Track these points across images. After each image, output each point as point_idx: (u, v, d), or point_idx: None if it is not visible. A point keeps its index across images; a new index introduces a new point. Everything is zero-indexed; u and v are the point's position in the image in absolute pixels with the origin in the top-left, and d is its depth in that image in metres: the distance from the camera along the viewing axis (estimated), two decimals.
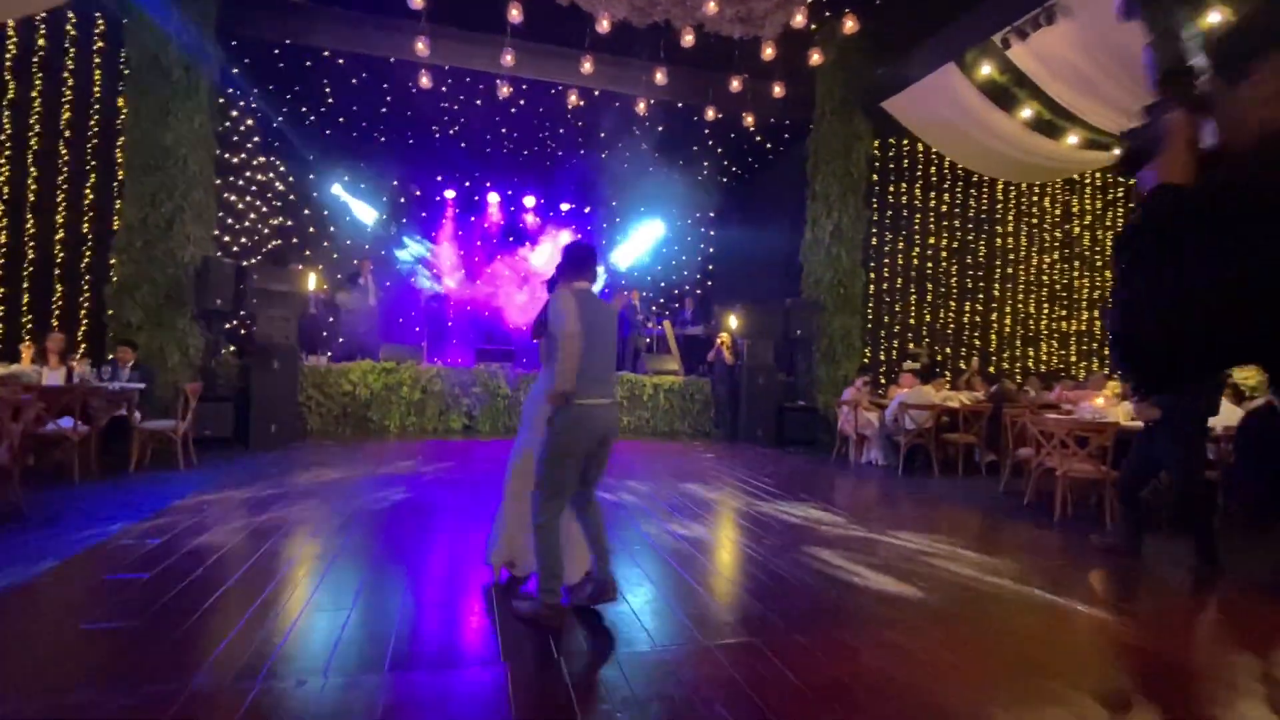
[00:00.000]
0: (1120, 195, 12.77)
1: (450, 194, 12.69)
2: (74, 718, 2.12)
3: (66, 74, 8.39)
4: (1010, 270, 12.27)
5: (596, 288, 3.41)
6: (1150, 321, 0.82)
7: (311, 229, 11.71)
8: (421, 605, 3.21)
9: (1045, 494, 5.90)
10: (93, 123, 8.50)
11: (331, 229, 11.79)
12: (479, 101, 9.75)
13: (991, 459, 7.82)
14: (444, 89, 9.26)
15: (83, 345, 8.19)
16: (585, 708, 2.32)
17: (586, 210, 13.34)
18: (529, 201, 13.06)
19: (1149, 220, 0.90)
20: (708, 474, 7.10)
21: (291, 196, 11.38)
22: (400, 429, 9.28)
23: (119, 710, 2.17)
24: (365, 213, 11.91)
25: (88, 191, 8.49)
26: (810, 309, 10.04)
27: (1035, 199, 12.38)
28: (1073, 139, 8.63)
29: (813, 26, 8.17)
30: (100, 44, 8.50)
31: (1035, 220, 12.41)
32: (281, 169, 11.15)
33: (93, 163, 8.51)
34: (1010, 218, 12.24)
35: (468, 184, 12.80)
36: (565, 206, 13.25)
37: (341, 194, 11.54)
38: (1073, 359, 12.65)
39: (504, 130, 10.91)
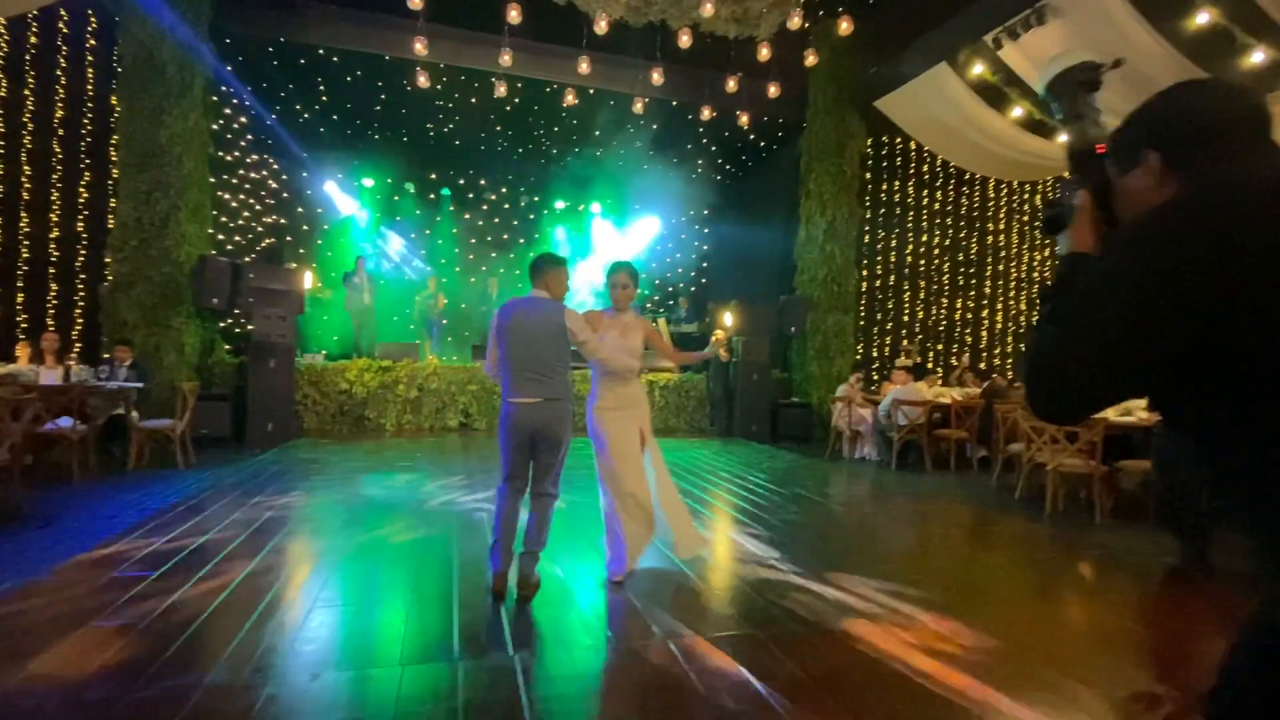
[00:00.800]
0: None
1: (445, 191, 12.68)
2: (94, 714, 2.16)
3: (59, 72, 8.35)
4: (1001, 267, 12.42)
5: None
6: (1048, 369, 0.97)
7: (305, 227, 11.70)
8: (427, 599, 3.26)
9: (1036, 488, 6.00)
10: (86, 121, 8.47)
11: (325, 227, 11.78)
12: (474, 99, 9.76)
13: (983, 454, 7.93)
14: (439, 87, 9.26)
15: (78, 345, 8.17)
16: (591, 697, 2.38)
17: (580, 208, 13.36)
18: (524, 200, 13.07)
19: (1059, 282, 1.07)
20: (703, 470, 7.17)
21: (285, 195, 11.35)
22: (397, 427, 9.30)
23: (136, 705, 2.21)
24: (359, 211, 11.90)
25: (82, 190, 8.46)
26: (804, 306, 10.13)
27: (1026, 196, 12.51)
28: (1064, 138, 8.71)
29: (807, 26, 8.22)
30: (93, 42, 8.47)
31: (1026, 218, 12.55)
32: (275, 167, 11.12)
33: (87, 161, 8.48)
34: (1002, 215, 12.38)
35: (462, 181, 12.80)
36: (560, 204, 13.26)
37: (335, 192, 11.52)
38: None
39: (499, 128, 10.92)
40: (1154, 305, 0.88)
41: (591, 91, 9.43)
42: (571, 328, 3.35)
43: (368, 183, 12.03)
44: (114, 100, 8.14)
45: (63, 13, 8.23)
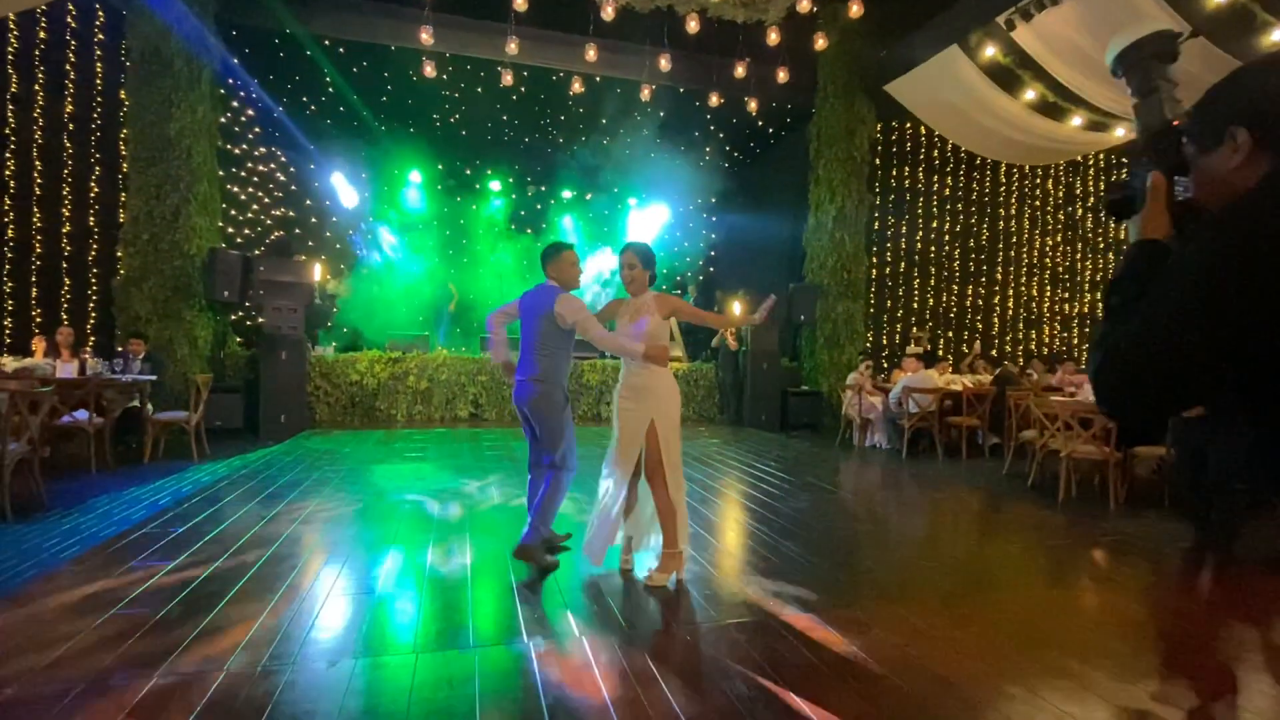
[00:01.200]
0: (1124, 177, 12.72)
1: (451, 181, 12.67)
2: (118, 700, 2.20)
3: (68, 67, 8.38)
4: (1013, 253, 12.29)
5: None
6: (1123, 365, 0.90)
7: (314, 219, 11.72)
8: (445, 587, 3.28)
9: (1049, 475, 5.97)
10: (95, 115, 8.50)
11: (333, 219, 11.80)
12: (480, 89, 9.72)
13: (995, 442, 7.89)
14: (445, 77, 9.22)
15: (92, 339, 8.25)
16: (608, 682, 2.39)
17: (588, 197, 13.32)
18: (530, 189, 13.04)
19: (1129, 271, 0.98)
20: (713, 459, 7.17)
21: (293, 187, 11.38)
22: (407, 418, 9.36)
23: (159, 692, 2.24)
24: (365, 202, 11.92)
25: (93, 184, 8.51)
26: (813, 294, 10.08)
27: (1038, 181, 12.36)
28: (1076, 120, 8.62)
29: (816, 9, 8.12)
30: (101, 36, 8.48)
31: (1038, 203, 12.40)
32: (283, 159, 11.14)
33: (97, 155, 8.52)
34: (1013, 201, 12.24)
35: (469, 171, 12.77)
36: (568, 193, 13.22)
37: (341, 184, 11.52)
38: (1075, 341, 12.70)
39: (505, 117, 10.88)
40: (1255, 303, 0.80)
41: (598, 79, 9.37)
42: (559, 311, 3.46)
43: (376, 175, 12.04)
44: (122, 94, 8.17)
45: (71, 8, 8.25)
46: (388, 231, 12.17)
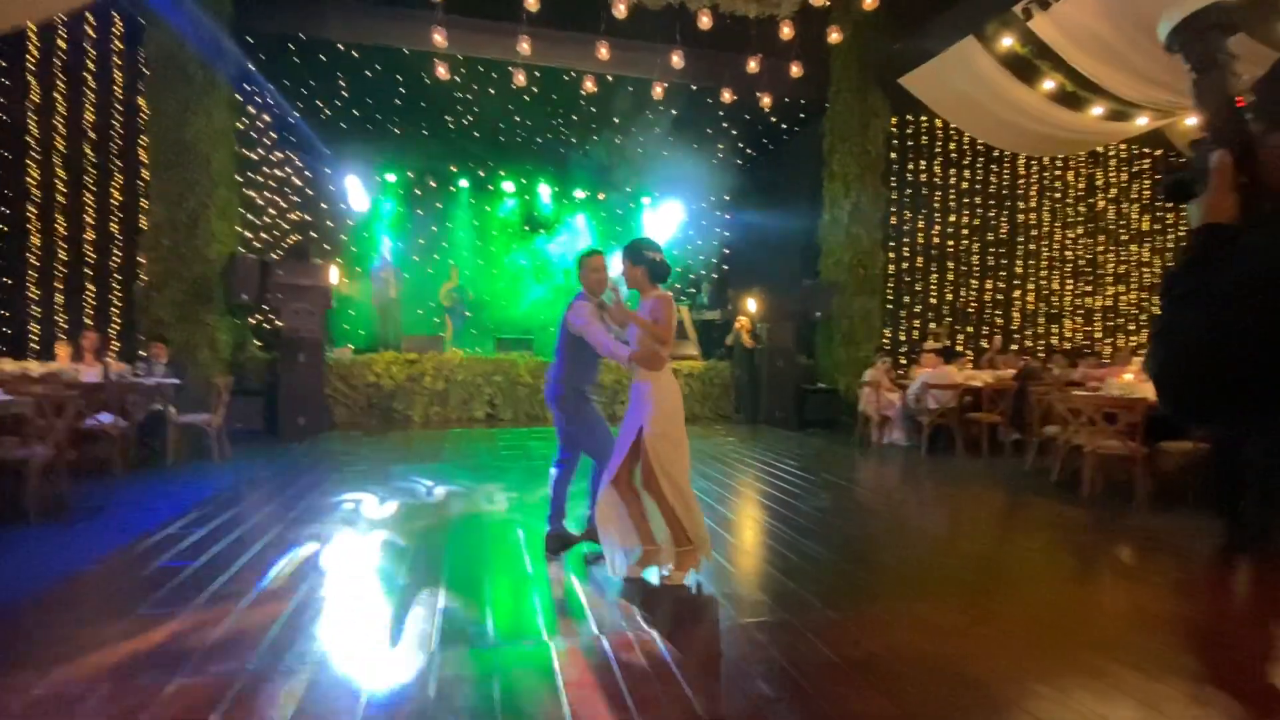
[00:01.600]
0: (1146, 167, 12.50)
1: (464, 183, 12.71)
2: (143, 698, 2.22)
3: (87, 75, 8.51)
4: (1033, 246, 12.10)
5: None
6: (1190, 360, 0.83)
7: (329, 223, 11.82)
8: (464, 585, 3.28)
9: (1073, 472, 5.86)
10: (115, 123, 8.62)
11: (350, 222, 11.89)
12: (493, 90, 9.74)
13: (1016, 437, 7.77)
14: (458, 78, 9.25)
15: (116, 344, 8.37)
16: (628, 682, 2.38)
17: (601, 197, 13.31)
18: (544, 190, 13.05)
19: (1194, 258, 0.91)
20: (730, 457, 7.13)
21: (309, 191, 11.47)
22: (424, 419, 9.41)
23: (184, 691, 2.26)
24: (380, 205, 12.01)
25: (114, 191, 8.63)
26: (829, 290, 9.98)
27: (1058, 173, 12.16)
28: (1097, 110, 8.46)
29: (829, 2, 8.03)
30: (119, 45, 8.59)
31: (1058, 195, 12.20)
32: (299, 163, 11.24)
33: (117, 163, 8.64)
34: (1032, 193, 12.05)
35: (482, 173, 12.81)
36: (580, 193, 13.23)
37: (355, 186, 11.60)
38: (1098, 335, 12.49)
39: (517, 118, 10.89)
40: None
41: (610, 78, 9.36)
42: (568, 317, 3.61)
43: (390, 177, 12.12)
44: (141, 102, 8.28)
45: (89, 17, 8.37)
46: (388, 241, 12.20)
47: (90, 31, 8.49)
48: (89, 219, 8.54)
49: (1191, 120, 9.11)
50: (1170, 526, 4.66)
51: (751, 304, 10.55)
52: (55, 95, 8.36)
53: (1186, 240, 0.95)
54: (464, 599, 3.15)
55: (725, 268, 14.11)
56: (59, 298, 8.42)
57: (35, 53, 8.24)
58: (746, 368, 10.41)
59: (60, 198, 8.40)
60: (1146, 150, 12.34)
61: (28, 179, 8.29)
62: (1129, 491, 5.35)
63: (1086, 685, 2.42)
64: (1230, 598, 3.73)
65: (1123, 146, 12.18)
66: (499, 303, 12.75)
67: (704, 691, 2.33)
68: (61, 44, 8.37)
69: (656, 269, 3.42)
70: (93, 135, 8.53)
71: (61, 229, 8.42)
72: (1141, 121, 8.74)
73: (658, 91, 9.08)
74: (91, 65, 8.52)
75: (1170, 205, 11.94)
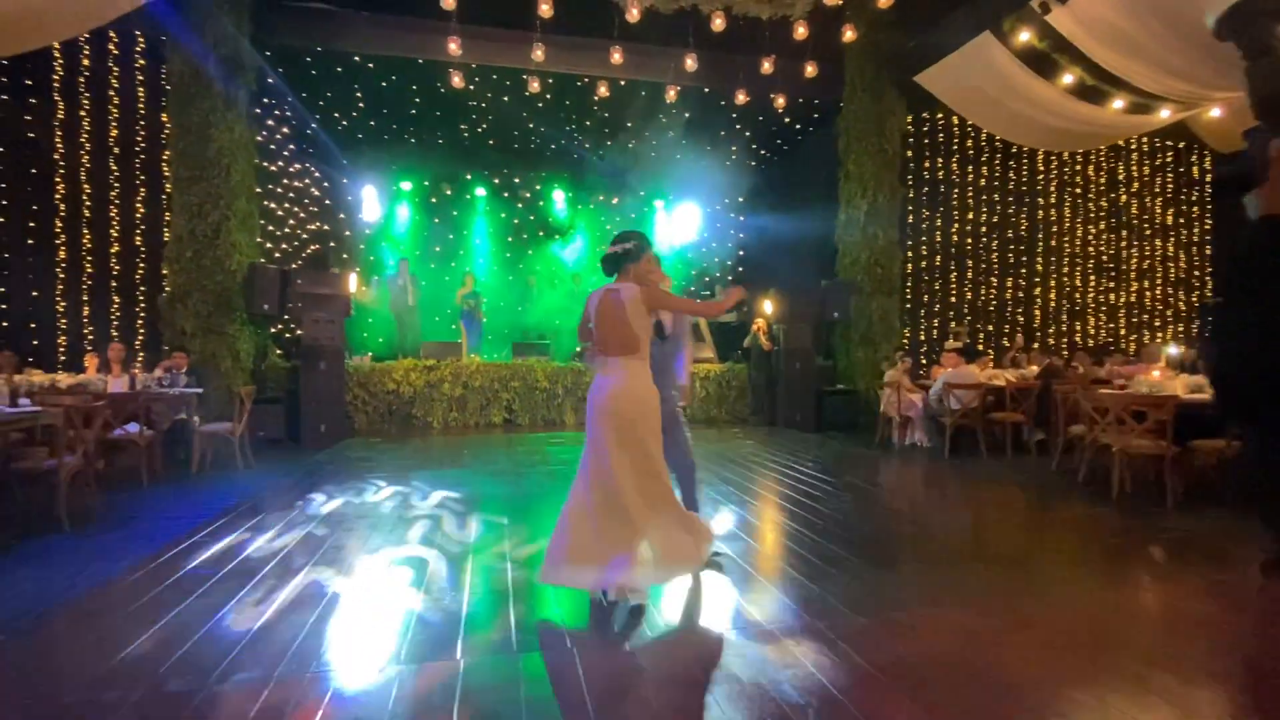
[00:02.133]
0: (1169, 160, 12.27)
1: (480, 190, 12.79)
2: (174, 705, 2.23)
3: (112, 92, 8.69)
4: (1054, 243, 11.93)
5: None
6: (1246, 358, 0.80)
7: (347, 232, 11.94)
8: (487, 593, 3.28)
9: (1101, 472, 5.74)
10: (139, 138, 8.79)
11: (367, 231, 12.01)
12: (507, 98, 9.80)
13: (1040, 437, 7.64)
14: (472, 87, 9.31)
15: (141, 355, 8.52)
16: (654, 689, 2.35)
17: (615, 201, 13.32)
18: (558, 195, 13.09)
19: (1253, 251, 0.87)
20: (749, 460, 7.08)
21: (327, 201, 11.60)
22: (443, 425, 9.45)
23: (213, 698, 2.27)
24: (395, 213, 12.12)
25: (138, 205, 8.80)
26: (847, 290, 9.90)
27: (1079, 168, 11.98)
28: (1118, 103, 8.33)
29: (842, 1, 7.97)
30: (142, 61, 8.77)
31: (1079, 190, 12.02)
32: (316, 174, 11.37)
33: (141, 177, 8.82)
34: (1052, 189, 11.88)
35: (497, 180, 12.87)
36: (596, 198, 13.24)
37: (371, 195, 11.71)
38: (1122, 332, 12.27)
39: (532, 125, 10.93)
40: None
41: (623, 83, 9.37)
42: (675, 313, 3.77)
43: (406, 185, 12.23)
44: (164, 117, 8.43)
45: (112, 34, 8.54)
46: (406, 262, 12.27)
47: (113, 49, 8.67)
48: (114, 233, 8.71)
49: (1215, 112, 8.94)
50: (1204, 527, 4.55)
51: (768, 306, 10.49)
52: (80, 113, 8.55)
53: (1242, 234, 0.91)
54: (487, 606, 3.14)
55: (741, 270, 14.05)
56: (86, 310, 8.60)
57: (61, 71, 8.44)
58: (764, 370, 10.35)
59: (86, 212, 8.59)
60: (1169, 143, 12.12)
61: (55, 195, 8.48)
62: (1159, 492, 5.23)
63: (1125, 691, 2.36)
64: (1271, 602, 3.62)
65: (1144, 140, 11.98)
66: (515, 308, 12.79)
67: (730, 700, 2.30)
68: (85, 62, 8.56)
69: (644, 253, 3.28)
70: (117, 151, 8.72)
71: (88, 243, 8.60)
72: (1164, 114, 8.58)
73: (671, 95, 9.07)
74: (115, 82, 8.70)
75: (1195, 197, 11.70)
